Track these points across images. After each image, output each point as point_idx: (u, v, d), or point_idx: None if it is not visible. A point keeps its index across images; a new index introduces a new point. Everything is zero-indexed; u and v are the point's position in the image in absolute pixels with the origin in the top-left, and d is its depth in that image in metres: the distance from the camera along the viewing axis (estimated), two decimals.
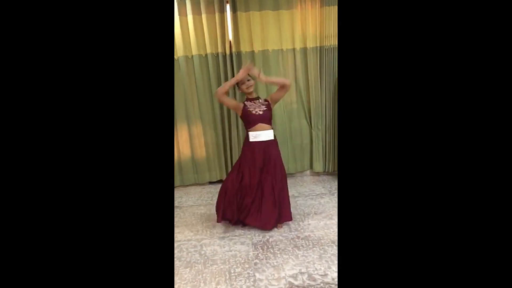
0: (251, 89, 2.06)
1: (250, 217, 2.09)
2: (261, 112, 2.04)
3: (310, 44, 3.00)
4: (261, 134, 2.05)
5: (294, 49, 3.03)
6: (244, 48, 2.97)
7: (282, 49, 3.02)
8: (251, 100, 2.09)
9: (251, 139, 2.06)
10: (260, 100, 2.10)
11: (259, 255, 1.85)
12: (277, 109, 3.12)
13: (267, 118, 2.07)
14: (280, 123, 3.17)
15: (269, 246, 1.94)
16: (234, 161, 3.18)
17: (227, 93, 2.07)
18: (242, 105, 2.08)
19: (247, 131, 2.10)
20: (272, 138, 2.10)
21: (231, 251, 1.92)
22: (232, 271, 1.70)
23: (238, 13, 2.89)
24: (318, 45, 3.02)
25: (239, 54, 2.98)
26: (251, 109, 2.05)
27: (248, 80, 2.04)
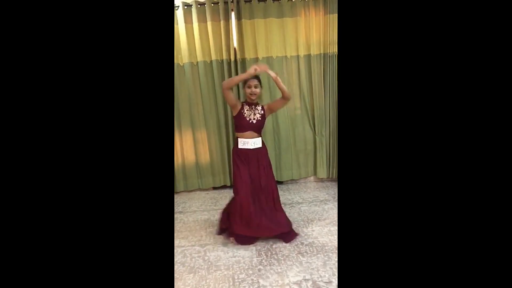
0: (254, 97, 2.03)
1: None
2: (254, 121, 2.02)
3: (314, 51, 3.03)
4: (249, 142, 2.03)
5: (298, 56, 3.05)
6: (249, 55, 3.00)
7: (286, 56, 3.05)
8: (249, 104, 2.05)
9: (240, 146, 2.04)
10: (258, 107, 2.07)
11: (263, 261, 1.84)
12: (281, 115, 3.14)
13: (258, 128, 2.05)
14: (283, 129, 3.18)
15: (273, 252, 1.93)
16: None
17: (231, 88, 2.04)
18: (239, 106, 2.05)
19: (237, 136, 2.07)
20: (260, 145, 2.08)
21: (234, 257, 1.91)
22: (236, 277, 1.69)
23: (243, 20, 2.93)
24: (321, 52, 3.05)
25: (243, 60, 3.02)
26: (246, 115, 2.02)
27: (256, 87, 2.01)
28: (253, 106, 2.07)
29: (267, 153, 2.14)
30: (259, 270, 1.75)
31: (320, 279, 1.63)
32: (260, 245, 2.03)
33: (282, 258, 1.86)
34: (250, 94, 2.01)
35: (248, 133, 2.03)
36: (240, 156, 2.05)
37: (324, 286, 1.57)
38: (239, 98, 2.96)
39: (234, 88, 2.99)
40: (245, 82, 2.01)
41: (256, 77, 2.04)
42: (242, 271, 1.75)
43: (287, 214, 2.22)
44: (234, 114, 2.07)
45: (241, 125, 2.04)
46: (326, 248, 1.94)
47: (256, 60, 3.02)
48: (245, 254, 1.94)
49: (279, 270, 1.74)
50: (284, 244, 2.02)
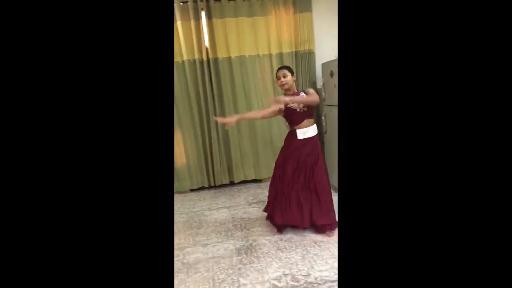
0: (285, 86, 1.98)
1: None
2: (305, 109, 1.97)
3: (285, 50, 3.07)
4: (309, 131, 1.99)
5: (270, 55, 3.08)
6: (221, 54, 2.98)
7: (258, 55, 3.06)
8: (291, 95, 1.98)
9: (300, 137, 1.99)
10: (301, 95, 1.99)
11: (243, 260, 1.85)
12: None
13: (311, 114, 2.01)
14: (260, 127, 3.20)
15: (253, 250, 1.94)
16: (216, 167, 3.17)
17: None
18: (283, 106, 1.99)
19: (294, 129, 2.01)
20: (317, 132, 2.06)
21: (214, 257, 1.90)
22: (216, 278, 1.69)
23: (214, 20, 2.91)
24: (293, 50, 3.09)
25: (216, 60, 3.00)
26: (293, 106, 1.96)
27: (284, 77, 1.95)
28: (295, 96, 1.97)
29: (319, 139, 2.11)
30: (239, 269, 1.76)
31: (299, 272, 1.66)
32: (239, 244, 2.03)
33: (261, 255, 1.87)
34: (281, 85, 2.00)
35: (305, 122, 1.99)
36: (298, 147, 1.99)
37: (302, 279, 1.61)
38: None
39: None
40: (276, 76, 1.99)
41: (285, 66, 2.02)
42: (222, 271, 1.75)
43: (263, 212, 2.25)
44: (283, 114, 2.03)
45: (294, 120, 1.99)
46: (304, 242, 1.98)
47: (228, 59, 3.01)
48: (225, 254, 1.93)
49: (259, 267, 1.75)
50: (263, 241, 2.04)
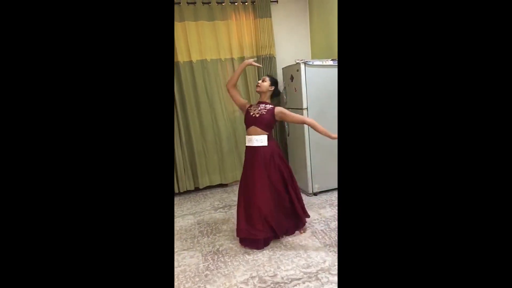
0: (258, 89, 1.99)
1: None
2: (257, 115, 1.93)
3: (247, 54, 3.11)
4: (252, 139, 1.95)
5: (232, 59, 3.10)
6: (182, 58, 2.93)
7: (220, 59, 3.06)
8: (259, 103, 2.01)
9: (246, 143, 2.01)
10: (266, 106, 1.97)
11: (210, 266, 1.82)
12: (220, 118, 3.15)
13: (262, 123, 1.93)
14: (225, 131, 3.19)
15: (220, 255, 1.92)
16: (180, 173, 3.09)
17: (235, 88, 2.03)
18: (247, 105, 2.04)
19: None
20: (265, 144, 1.94)
21: (180, 266, 1.85)
22: (182, 287, 1.64)
23: (174, 23, 2.85)
24: (255, 54, 3.14)
25: (177, 64, 2.94)
26: (250, 111, 1.98)
27: (263, 81, 1.97)
28: (262, 104, 1.99)
29: (279, 151, 2.03)
30: (206, 275, 1.73)
31: (266, 274, 1.68)
32: (206, 250, 2.00)
33: (229, 260, 1.86)
34: (257, 86, 2.01)
35: (251, 128, 1.96)
36: (247, 155, 2.01)
37: (269, 280, 1.63)
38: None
39: None
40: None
41: (268, 75, 2.02)
42: (189, 279, 1.70)
43: (232, 216, 2.24)
44: (244, 114, 2.03)
45: (246, 122, 2.00)
46: (271, 243, 2.01)
47: (190, 63, 2.97)
48: (191, 261, 1.88)
49: (226, 272, 1.74)
50: (230, 245, 2.03)
